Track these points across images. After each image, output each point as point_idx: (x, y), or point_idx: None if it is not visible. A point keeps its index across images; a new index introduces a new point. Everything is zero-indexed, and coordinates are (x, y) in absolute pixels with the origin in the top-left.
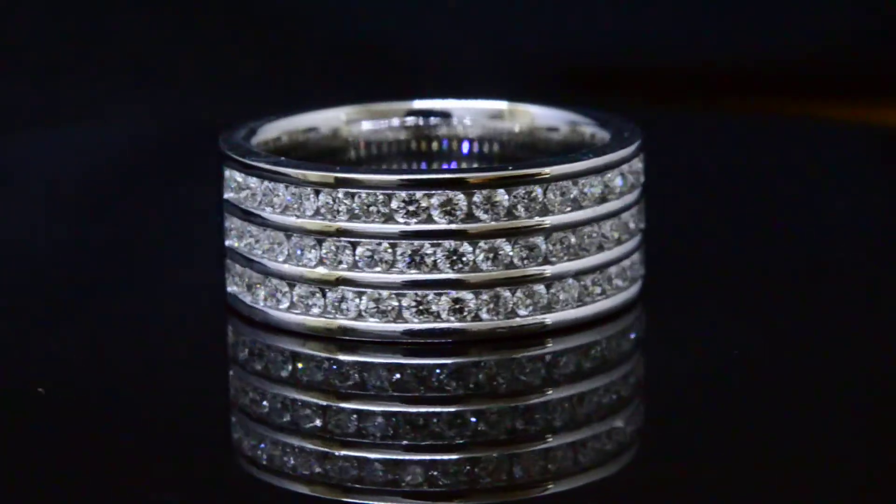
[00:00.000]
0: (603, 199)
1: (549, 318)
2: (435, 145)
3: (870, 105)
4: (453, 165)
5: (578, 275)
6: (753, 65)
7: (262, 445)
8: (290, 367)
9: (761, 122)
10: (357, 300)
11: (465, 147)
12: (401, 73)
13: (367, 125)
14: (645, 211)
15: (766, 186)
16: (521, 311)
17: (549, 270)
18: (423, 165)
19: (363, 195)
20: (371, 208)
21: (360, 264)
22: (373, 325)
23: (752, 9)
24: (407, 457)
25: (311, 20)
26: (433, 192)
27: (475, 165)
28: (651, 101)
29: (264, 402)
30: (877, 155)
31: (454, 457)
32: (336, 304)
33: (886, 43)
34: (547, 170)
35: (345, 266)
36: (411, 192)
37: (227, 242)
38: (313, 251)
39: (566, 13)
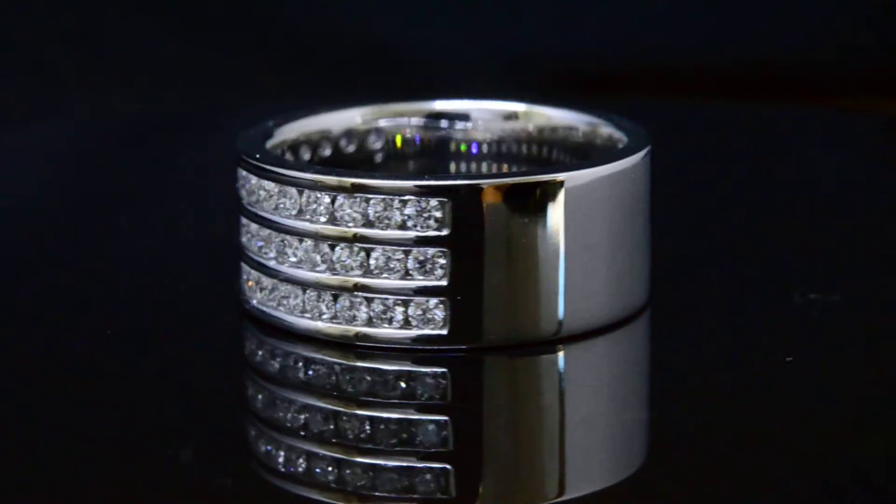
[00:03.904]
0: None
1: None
2: (450, 146)
3: (871, 104)
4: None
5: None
6: (753, 65)
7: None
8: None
9: (762, 122)
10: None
11: (477, 148)
12: (400, 75)
13: (384, 125)
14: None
15: (767, 186)
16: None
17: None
18: (440, 167)
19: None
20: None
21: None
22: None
23: (753, 9)
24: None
25: (310, 21)
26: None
27: (488, 168)
28: (651, 101)
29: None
30: (880, 151)
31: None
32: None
33: (888, 42)
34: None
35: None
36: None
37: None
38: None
39: (566, 13)
